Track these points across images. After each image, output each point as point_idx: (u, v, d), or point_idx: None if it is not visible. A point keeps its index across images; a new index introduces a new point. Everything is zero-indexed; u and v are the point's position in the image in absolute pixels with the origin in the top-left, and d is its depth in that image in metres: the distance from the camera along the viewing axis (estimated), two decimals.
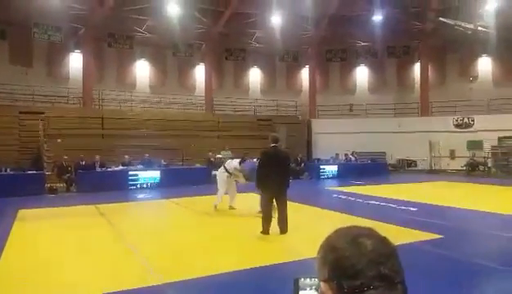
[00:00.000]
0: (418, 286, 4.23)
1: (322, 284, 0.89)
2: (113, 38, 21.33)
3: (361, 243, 0.87)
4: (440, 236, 6.55)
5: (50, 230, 7.61)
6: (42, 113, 17.96)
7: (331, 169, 19.21)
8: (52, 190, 13.82)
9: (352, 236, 0.90)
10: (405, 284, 0.87)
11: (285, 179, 6.80)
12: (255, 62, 26.07)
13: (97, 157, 15.17)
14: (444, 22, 20.47)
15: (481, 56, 23.74)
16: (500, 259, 5.46)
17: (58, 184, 14.41)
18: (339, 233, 0.93)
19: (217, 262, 5.24)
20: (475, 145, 21.14)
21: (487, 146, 20.81)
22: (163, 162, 16.54)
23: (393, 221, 7.71)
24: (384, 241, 0.90)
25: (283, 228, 6.64)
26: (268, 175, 6.66)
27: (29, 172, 13.93)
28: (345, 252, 0.87)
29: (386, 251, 0.87)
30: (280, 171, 6.73)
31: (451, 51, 24.28)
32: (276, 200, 6.79)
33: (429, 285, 4.42)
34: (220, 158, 18.30)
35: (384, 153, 22.84)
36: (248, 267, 5.00)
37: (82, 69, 20.99)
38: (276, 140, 7.04)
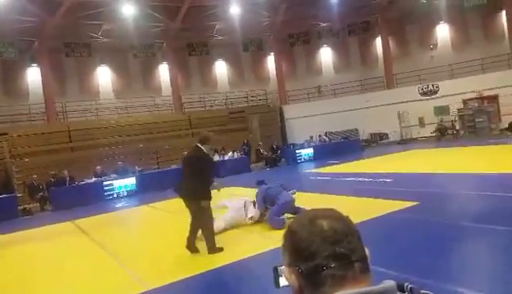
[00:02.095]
0: (397, 252, 4.34)
1: (285, 270, 0.88)
2: (69, 48, 20.68)
3: (317, 224, 0.85)
4: (416, 203, 6.72)
5: (30, 252, 7.38)
6: (6, 134, 17.27)
7: (307, 152, 19.38)
8: (27, 212, 13.42)
9: (309, 218, 0.88)
10: (366, 262, 0.84)
11: (194, 184, 5.43)
12: (220, 55, 25.85)
13: (65, 172, 14.80)
14: None
15: (438, 24, 24.31)
16: (473, 217, 5.65)
17: (31, 205, 13.99)
18: (299, 217, 0.92)
19: (203, 261, 5.21)
20: (442, 111, 21.76)
21: (453, 110, 21.46)
22: (137, 168, 16.27)
23: (370, 194, 7.87)
24: (341, 219, 0.87)
25: (206, 246, 5.46)
26: (180, 180, 5.85)
27: (0, 196, 13.43)
28: (301, 234, 0.85)
29: (342, 230, 0.84)
30: (188, 175, 5.63)
31: (409, 22, 24.73)
32: (189, 210, 5.61)
33: (409, 250, 4.53)
34: None
35: (357, 129, 23.22)
36: (232, 261, 5.00)
37: (41, 84, 20.28)
38: (202, 140, 5.82)
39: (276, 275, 0.92)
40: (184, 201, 5.59)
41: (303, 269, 0.83)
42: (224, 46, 25.28)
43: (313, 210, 0.92)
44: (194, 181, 5.42)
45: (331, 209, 0.92)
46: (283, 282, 0.91)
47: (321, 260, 0.81)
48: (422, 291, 0.83)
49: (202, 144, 5.73)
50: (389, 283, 0.80)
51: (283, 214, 6.47)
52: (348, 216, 0.90)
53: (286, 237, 0.90)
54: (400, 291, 0.81)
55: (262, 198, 6.70)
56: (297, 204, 6.60)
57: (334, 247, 0.82)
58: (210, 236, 5.48)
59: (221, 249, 5.44)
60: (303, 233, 0.85)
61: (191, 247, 5.51)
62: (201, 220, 5.45)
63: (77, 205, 12.66)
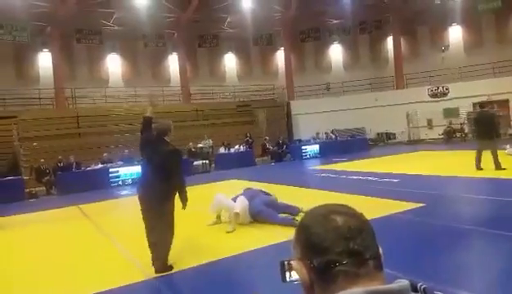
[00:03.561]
0: (401, 253, 4.33)
1: (295, 263, 0.87)
2: (81, 34, 20.79)
3: (332, 220, 0.85)
4: (422, 204, 6.68)
5: (33, 235, 7.47)
6: (15, 116, 17.41)
7: (313, 149, 19.34)
8: (32, 195, 13.54)
9: (323, 213, 0.88)
10: (380, 261, 0.83)
11: (160, 183, 4.46)
12: (229, 48, 25.82)
13: (72, 157, 14.91)
14: None
15: (451, 25, 24.05)
16: (478, 221, 5.62)
17: (38, 189, 14.12)
18: (313, 211, 0.91)
19: (205, 251, 5.24)
20: (451, 113, 21.59)
21: (462, 113, 21.27)
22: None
23: (376, 194, 7.84)
24: (355, 216, 0.87)
25: (154, 262, 4.50)
26: (143, 178, 4.82)
27: (7, 178, 13.55)
28: (315, 229, 0.85)
29: (356, 226, 0.84)
30: (155, 172, 4.56)
31: (421, 22, 24.50)
32: (145, 216, 4.60)
33: (413, 252, 4.53)
34: (201, 148, 18.25)
35: (364, 128, 23.12)
36: (245, 250, 5.02)
37: (52, 69, 20.39)
38: (162, 131, 4.81)
39: (283, 269, 0.92)
40: (142, 201, 4.55)
41: (315, 264, 0.82)
42: (234, 39, 25.23)
43: (328, 205, 0.91)
44: (161, 181, 4.44)
45: (346, 205, 0.91)
46: (290, 276, 0.90)
47: (334, 255, 0.81)
48: (435, 292, 0.82)
49: (164, 135, 4.76)
50: (404, 282, 0.80)
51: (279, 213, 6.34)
52: (362, 213, 0.90)
53: (299, 231, 0.89)
54: (413, 290, 0.81)
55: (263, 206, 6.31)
56: (298, 202, 6.62)
57: (347, 243, 0.81)
58: (164, 250, 4.51)
59: (171, 267, 4.53)
60: (316, 227, 0.85)
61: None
62: (159, 228, 4.47)
63: (82, 190, 12.76)
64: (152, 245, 4.52)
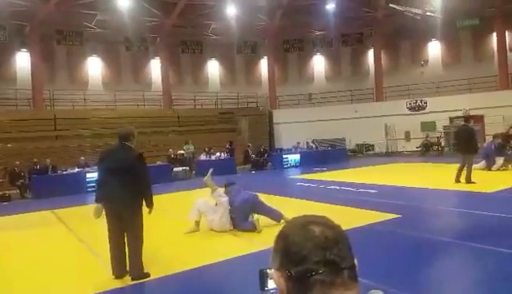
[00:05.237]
0: (378, 264, 4.38)
1: (274, 273, 0.88)
2: (61, 35, 20.40)
3: (310, 230, 0.87)
4: (398, 215, 6.79)
5: (4, 240, 7.22)
6: None
7: (294, 158, 19.45)
8: (5, 198, 13.14)
9: (301, 223, 0.90)
10: (355, 271, 0.85)
11: (132, 190, 4.45)
12: (213, 55, 25.82)
13: (48, 160, 14.58)
14: (394, 8, 21.11)
15: (430, 41, 24.72)
16: (453, 233, 5.75)
17: (11, 191, 13.72)
18: (292, 221, 0.93)
19: (181, 259, 5.17)
20: (429, 126, 22.12)
21: (439, 127, 21.80)
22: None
23: (354, 204, 7.93)
24: (333, 227, 0.89)
25: (131, 270, 4.49)
26: (106, 185, 4.59)
27: None
28: (293, 238, 0.86)
29: (333, 237, 0.86)
30: (122, 180, 4.46)
31: (402, 37, 25.09)
32: (113, 224, 4.54)
33: (389, 262, 4.58)
34: (182, 154, 18.10)
35: (344, 138, 23.41)
36: (220, 259, 4.98)
37: (30, 69, 19.95)
38: (125, 136, 4.70)
39: (262, 278, 0.92)
40: (111, 210, 4.52)
41: (292, 273, 0.83)
42: (218, 46, 25.26)
43: (307, 216, 0.93)
44: (130, 187, 4.41)
45: (324, 216, 0.93)
46: (269, 285, 0.90)
47: (311, 265, 0.82)
48: None
49: (127, 141, 4.68)
50: (378, 293, 0.81)
51: (251, 215, 6.33)
52: (339, 225, 0.92)
53: (278, 240, 0.90)
54: None
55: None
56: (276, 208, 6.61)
57: (324, 253, 0.83)
58: (140, 257, 4.49)
59: (148, 274, 4.52)
60: (294, 237, 0.86)
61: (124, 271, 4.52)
62: (134, 231, 4.47)
63: (58, 194, 12.44)
64: (131, 252, 4.47)
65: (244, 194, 6.66)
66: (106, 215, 4.56)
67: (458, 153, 10.43)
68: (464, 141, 10.13)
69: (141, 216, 4.54)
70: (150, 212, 4.65)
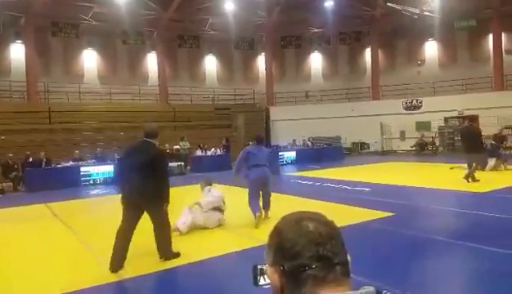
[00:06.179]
0: (370, 259, 4.40)
1: (268, 268, 0.90)
2: (57, 27, 20.21)
3: (304, 225, 0.88)
4: (392, 213, 6.82)
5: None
6: None
7: (290, 155, 19.45)
8: None
9: (296, 219, 0.91)
10: (347, 266, 0.86)
11: (155, 185, 4.67)
12: (210, 50, 25.73)
13: (42, 153, 14.48)
14: (392, 7, 21.12)
15: (427, 40, 24.77)
16: (446, 232, 5.78)
17: (4, 184, 13.64)
18: (286, 218, 0.94)
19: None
20: (424, 126, 22.21)
21: (434, 126, 21.90)
22: (116, 155, 16.02)
23: (348, 202, 7.96)
24: (327, 223, 0.90)
25: (163, 252, 4.84)
26: (130, 179, 4.73)
27: None
28: (287, 234, 0.88)
29: (327, 233, 0.87)
30: (145, 174, 4.64)
31: (399, 36, 25.13)
32: (134, 215, 4.73)
33: (381, 259, 4.60)
34: (178, 150, 18.05)
35: (339, 137, 23.45)
36: (216, 255, 4.98)
37: (24, 61, 19.77)
38: (151, 134, 4.92)
39: (256, 274, 0.92)
40: (131, 204, 4.67)
41: (286, 268, 0.84)
42: (215, 41, 25.16)
43: (301, 212, 0.94)
44: (152, 181, 4.63)
45: (318, 213, 0.95)
46: (262, 280, 0.91)
47: (305, 260, 0.83)
48: None
49: (151, 138, 4.90)
50: (370, 289, 0.81)
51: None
52: (333, 221, 0.92)
53: (272, 236, 0.92)
54: None
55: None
56: (274, 210, 6.70)
57: (317, 248, 0.84)
58: (170, 239, 4.90)
59: (178, 254, 4.88)
60: (288, 233, 0.88)
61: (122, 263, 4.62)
62: (160, 219, 4.80)
63: (51, 188, 12.39)
64: (161, 238, 4.81)
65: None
66: (125, 207, 4.72)
67: (465, 153, 10.40)
68: (471, 141, 10.17)
69: (166, 208, 4.85)
70: (166, 208, 4.84)
